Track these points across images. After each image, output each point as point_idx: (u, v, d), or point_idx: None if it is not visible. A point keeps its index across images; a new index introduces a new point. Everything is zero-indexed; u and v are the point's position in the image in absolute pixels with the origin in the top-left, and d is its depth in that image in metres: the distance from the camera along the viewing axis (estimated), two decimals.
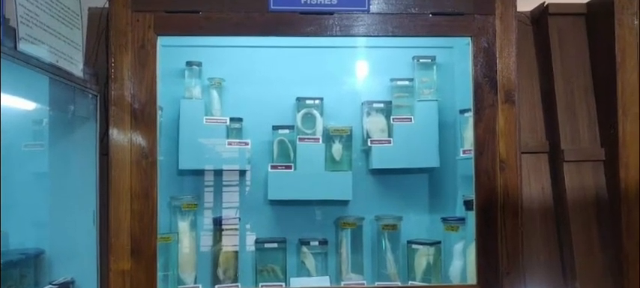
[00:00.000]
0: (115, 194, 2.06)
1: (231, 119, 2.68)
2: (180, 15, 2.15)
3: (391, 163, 2.68)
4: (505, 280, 2.14)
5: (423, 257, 2.57)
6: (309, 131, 2.69)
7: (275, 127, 2.70)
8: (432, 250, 2.57)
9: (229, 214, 2.68)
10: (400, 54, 2.76)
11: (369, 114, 2.73)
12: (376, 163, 2.67)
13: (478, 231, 2.17)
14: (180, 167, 2.61)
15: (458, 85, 2.73)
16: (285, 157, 2.68)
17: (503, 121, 2.17)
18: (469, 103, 2.22)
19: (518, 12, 2.24)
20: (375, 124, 2.71)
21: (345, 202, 2.73)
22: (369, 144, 2.67)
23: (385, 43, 2.64)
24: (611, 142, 2.40)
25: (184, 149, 2.61)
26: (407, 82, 2.76)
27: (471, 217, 2.26)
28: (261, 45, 2.69)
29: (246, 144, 2.67)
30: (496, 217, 2.16)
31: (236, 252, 2.62)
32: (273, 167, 2.62)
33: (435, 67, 2.75)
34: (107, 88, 2.12)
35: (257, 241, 2.65)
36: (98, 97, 2.23)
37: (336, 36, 2.19)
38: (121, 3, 2.11)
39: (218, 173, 2.70)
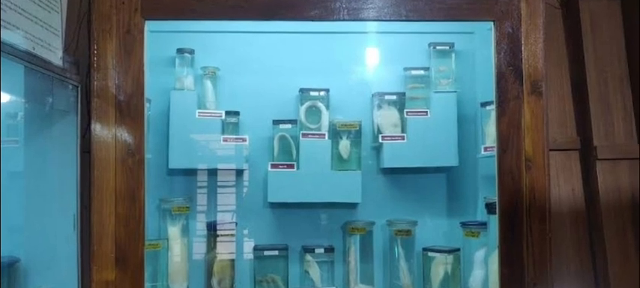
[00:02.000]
0: (98, 196, 2.05)
1: (227, 113, 2.68)
2: None
3: (405, 162, 2.68)
4: None
5: (441, 266, 2.57)
6: (313, 126, 2.68)
7: (276, 122, 2.70)
8: (450, 258, 2.57)
9: (225, 219, 2.68)
10: (415, 40, 2.76)
11: (380, 107, 2.72)
12: (388, 161, 2.66)
13: (501, 237, 2.16)
14: (171, 166, 2.61)
15: (479, 75, 2.72)
16: (287, 154, 2.68)
17: (530, 115, 2.16)
18: (491, 94, 2.21)
19: None
20: (387, 119, 2.70)
21: (353, 205, 2.73)
22: (380, 140, 2.67)
23: (398, 28, 2.63)
24: None
25: (175, 146, 2.61)
26: (422, 72, 2.75)
27: (494, 221, 2.25)
28: (260, 30, 2.69)
29: (244, 140, 2.67)
30: (521, 222, 2.14)
31: (232, 260, 2.62)
32: (273, 166, 2.62)
33: (453, 55, 2.75)
34: (89, 78, 2.11)
35: (256, 249, 2.65)
36: (79, 88, 2.22)
37: (344, 20, 2.17)
38: None
39: (212, 173, 2.70)
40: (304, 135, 2.64)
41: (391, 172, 2.76)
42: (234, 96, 2.73)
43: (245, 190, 2.73)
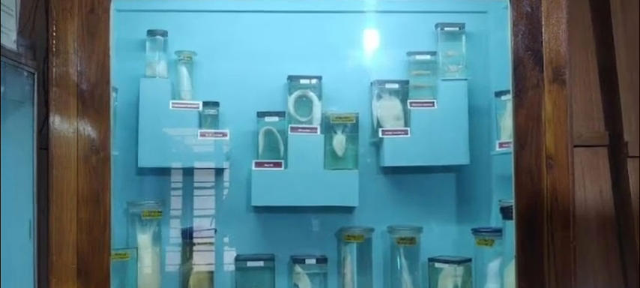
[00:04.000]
0: (57, 199, 2.05)
1: (205, 104, 2.68)
2: None
3: (408, 160, 2.69)
4: None
5: (449, 279, 2.58)
6: (303, 119, 2.69)
7: (260, 114, 2.70)
8: (460, 269, 2.58)
9: (202, 225, 2.69)
10: (420, 21, 2.76)
11: (380, 97, 2.73)
12: (389, 159, 2.68)
13: (519, 246, 2.17)
14: (140, 165, 2.62)
15: (493, 61, 2.73)
16: (274, 151, 2.68)
17: (551, 106, 2.17)
18: (507, 83, 2.22)
19: None
20: (388, 110, 2.71)
21: (349, 209, 2.74)
22: (380, 135, 2.68)
23: (401, 6, 2.64)
24: None
25: (145, 142, 2.62)
26: (428, 57, 2.76)
27: (510, 228, 2.26)
28: (242, 9, 2.69)
29: (224, 135, 2.67)
30: (542, 229, 2.15)
31: (211, 273, 2.63)
32: (257, 165, 2.62)
33: (463, 38, 2.76)
34: (47, 64, 2.11)
35: (238, 259, 2.65)
36: (35, 76, 2.22)
37: None
38: None
39: (188, 172, 2.70)
40: (293, 129, 2.65)
41: (393, 171, 2.77)
42: (213, 84, 2.74)
43: (225, 192, 2.73)
